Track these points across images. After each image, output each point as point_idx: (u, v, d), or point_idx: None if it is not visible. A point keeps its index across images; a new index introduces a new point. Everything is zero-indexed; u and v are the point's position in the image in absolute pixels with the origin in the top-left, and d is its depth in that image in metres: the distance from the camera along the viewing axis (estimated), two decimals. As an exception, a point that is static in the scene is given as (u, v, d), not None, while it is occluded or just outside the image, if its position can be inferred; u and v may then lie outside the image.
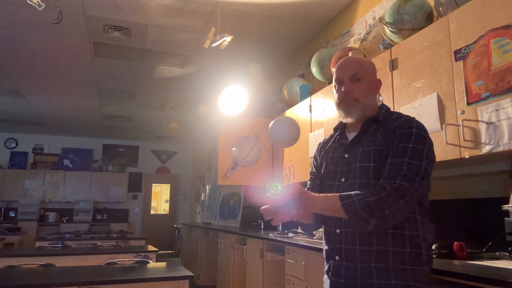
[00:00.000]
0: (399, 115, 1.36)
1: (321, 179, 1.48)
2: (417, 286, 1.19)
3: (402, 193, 1.15)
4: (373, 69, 1.45)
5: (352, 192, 1.20)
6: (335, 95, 1.43)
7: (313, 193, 1.24)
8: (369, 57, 2.75)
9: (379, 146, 1.28)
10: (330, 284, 1.32)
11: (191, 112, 7.49)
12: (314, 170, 1.56)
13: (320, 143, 1.60)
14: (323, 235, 1.43)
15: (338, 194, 1.20)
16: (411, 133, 1.24)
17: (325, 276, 1.37)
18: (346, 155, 1.38)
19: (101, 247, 4.26)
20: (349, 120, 1.39)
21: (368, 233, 1.24)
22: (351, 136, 1.43)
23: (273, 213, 1.18)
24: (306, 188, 1.51)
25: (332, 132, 1.57)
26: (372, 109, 1.40)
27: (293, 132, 1.35)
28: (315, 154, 1.58)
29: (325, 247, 1.40)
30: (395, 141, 1.25)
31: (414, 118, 1.33)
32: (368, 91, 1.39)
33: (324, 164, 1.48)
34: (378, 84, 1.44)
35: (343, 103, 1.38)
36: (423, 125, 1.29)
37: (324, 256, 1.40)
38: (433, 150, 1.28)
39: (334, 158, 1.43)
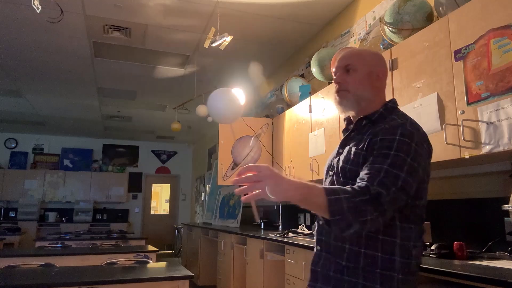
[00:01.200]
0: (393, 117, 1.27)
1: None
2: None
3: (379, 201, 1.06)
4: (373, 60, 1.37)
5: (337, 187, 1.09)
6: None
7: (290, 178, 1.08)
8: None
9: (359, 149, 1.24)
10: (310, 272, 1.32)
11: (191, 112, 7.48)
12: None
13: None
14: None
15: (323, 186, 1.08)
16: (394, 139, 1.16)
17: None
18: (341, 150, 1.36)
19: (101, 247, 4.26)
20: (345, 113, 1.38)
21: None
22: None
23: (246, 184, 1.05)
24: None
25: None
26: (371, 103, 1.34)
27: (234, 107, 1.20)
28: None
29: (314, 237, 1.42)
30: (376, 147, 1.18)
31: (405, 123, 1.22)
32: (363, 82, 1.33)
33: None
34: (380, 74, 1.36)
35: (336, 95, 1.37)
36: (412, 133, 1.18)
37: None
38: (424, 159, 1.18)
39: (334, 151, 1.42)
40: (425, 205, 1.24)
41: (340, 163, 1.29)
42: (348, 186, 1.10)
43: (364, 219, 1.04)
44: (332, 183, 1.31)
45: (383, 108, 1.33)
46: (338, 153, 1.36)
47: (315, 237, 1.37)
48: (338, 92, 1.37)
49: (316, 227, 1.36)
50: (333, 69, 1.41)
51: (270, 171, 1.03)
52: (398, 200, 1.10)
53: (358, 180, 1.13)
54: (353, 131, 1.36)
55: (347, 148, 1.31)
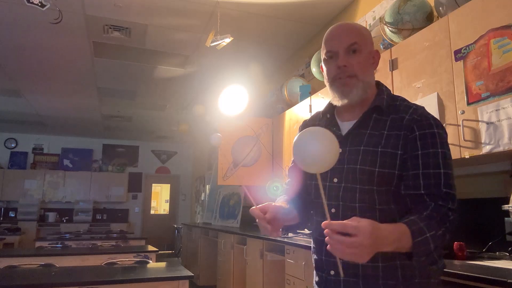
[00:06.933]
0: (407, 104, 1.12)
1: (304, 172, 1.19)
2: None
3: (454, 224, 1.00)
4: (371, 37, 1.18)
5: (421, 223, 0.94)
6: (325, 73, 1.16)
7: (384, 228, 0.90)
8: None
9: (388, 147, 1.05)
10: None
11: (191, 112, 7.49)
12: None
13: (303, 124, 1.34)
14: (313, 242, 1.19)
15: (408, 227, 0.93)
16: (434, 134, 1.04)
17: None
18: (340, 151, 1.08)
19: (101, 247, 4.26)
20: (345, 102, 1.12)
21: None
22: (345, 125, 1.16)
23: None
24: (287, 181, 1.34)
25: (315, 113, 1.32)
26: (371, 89, 1.15)
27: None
28: None
29: (314, 257, 1.16)
30: (418, 145, 1.04)
31: (424, 108, 1.11)
32: (368, 65, 1.13)
33: None
34: (376, 56, 1.17)
35: (340, 82, 1.10)
36: (438, 119, 1.10)
37: (314, 265, 1.17)
38: None
39: None
40: None
41: (359, 166, 1.06)
42: (427, 212, 0.98)
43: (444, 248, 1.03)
44: (348, 192, 1.08)
45: (385, 94, 1.15)
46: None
47: (317, 257, 1.15)
48: (345, 78, 1.09)
49: (324, 246, 0.99)
50: (331, 49, 1.13)
51: (370, 240, 0.84)
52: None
53: (426, 196, 1.01)
54: (357, 127, 1.12)
55: (362, 149, 1.08)
